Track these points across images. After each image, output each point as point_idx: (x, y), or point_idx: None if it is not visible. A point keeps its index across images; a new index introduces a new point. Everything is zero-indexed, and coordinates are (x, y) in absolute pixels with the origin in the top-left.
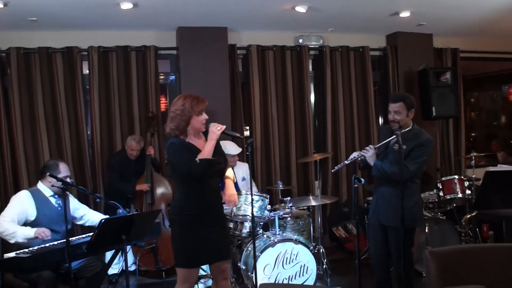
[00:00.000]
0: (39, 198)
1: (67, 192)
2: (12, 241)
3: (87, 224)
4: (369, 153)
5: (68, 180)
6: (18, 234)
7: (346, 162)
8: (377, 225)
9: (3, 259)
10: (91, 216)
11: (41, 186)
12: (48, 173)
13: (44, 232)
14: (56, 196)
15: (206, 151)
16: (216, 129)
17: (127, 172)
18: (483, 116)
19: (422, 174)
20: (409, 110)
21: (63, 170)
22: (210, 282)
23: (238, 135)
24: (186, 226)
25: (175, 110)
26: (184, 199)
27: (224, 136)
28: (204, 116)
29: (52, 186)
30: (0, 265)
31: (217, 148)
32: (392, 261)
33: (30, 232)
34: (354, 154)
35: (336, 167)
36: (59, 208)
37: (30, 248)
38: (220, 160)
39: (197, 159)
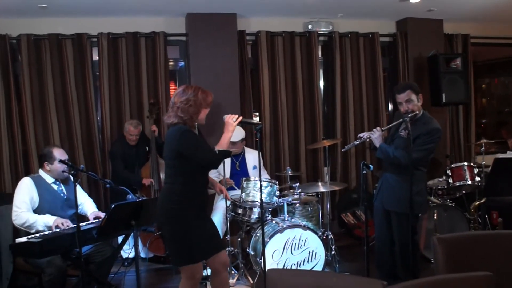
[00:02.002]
0: (41, 184)
1: (71, 177)
2: (33, 231)
3: (80, 212)
4: (376, 135)
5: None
6: (39, 222)
7: (355, 142)
8: (381, 209)
9: (15, 244)
10: (86, 205)
11: (42, 173)
12: (48, 161)
13: (64, 224)
14: (58, 182)
15: (225, 142)
16: (232, 120)
17: (130, 158)
18: (494, 103)
19: (428, 162)
20: (417, 95)
21: (58, 155)
22: None
23: (256, 122)
24: (191, 220)
25: (186, 100)
26: (186, 192)
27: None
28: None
29: (63, 171)
30: (12, 250)
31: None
32: (395, 246)
33: (49, 220)
34: (363, 135)
35: (346, 147)
36: (62, 195)
37: (41, 233)
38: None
39: (216, 149)
